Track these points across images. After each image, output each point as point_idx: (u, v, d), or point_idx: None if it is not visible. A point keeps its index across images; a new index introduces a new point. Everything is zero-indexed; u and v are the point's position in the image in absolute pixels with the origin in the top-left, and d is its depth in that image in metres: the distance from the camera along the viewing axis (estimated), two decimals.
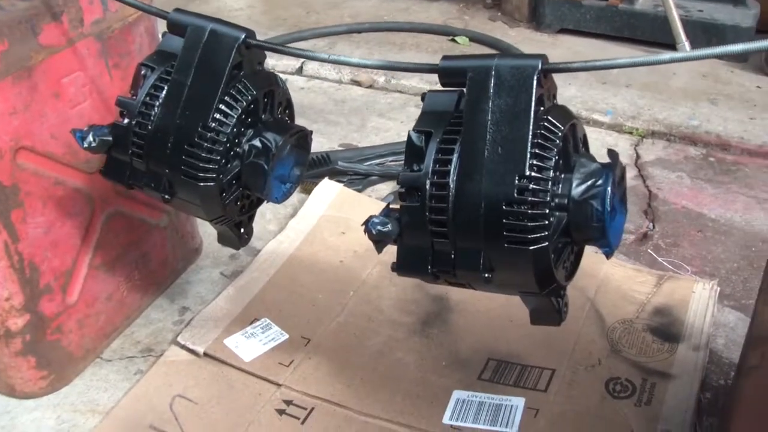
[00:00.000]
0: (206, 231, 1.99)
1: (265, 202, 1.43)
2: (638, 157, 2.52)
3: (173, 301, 1.88)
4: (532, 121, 1.06)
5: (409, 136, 1.14)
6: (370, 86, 3.02)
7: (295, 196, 2.19)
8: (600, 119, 2.72)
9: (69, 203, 1.56)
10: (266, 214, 2.16)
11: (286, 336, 1.73)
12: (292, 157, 1.37)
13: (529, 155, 1.05)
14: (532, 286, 1.11)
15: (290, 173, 1.38)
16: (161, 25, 1.43)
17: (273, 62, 3.06)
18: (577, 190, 1.08)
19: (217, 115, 1.27)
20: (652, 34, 3.22)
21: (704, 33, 3.13)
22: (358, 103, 2.90)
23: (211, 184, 1.29)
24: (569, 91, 2.85)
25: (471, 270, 1.11)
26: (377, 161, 2.42)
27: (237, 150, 1.31)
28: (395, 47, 3.33)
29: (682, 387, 1.57)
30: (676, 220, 2.19)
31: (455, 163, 1.10)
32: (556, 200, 1.08)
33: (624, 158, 2.48)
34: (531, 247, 1.05)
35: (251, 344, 1.70)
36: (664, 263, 1.99)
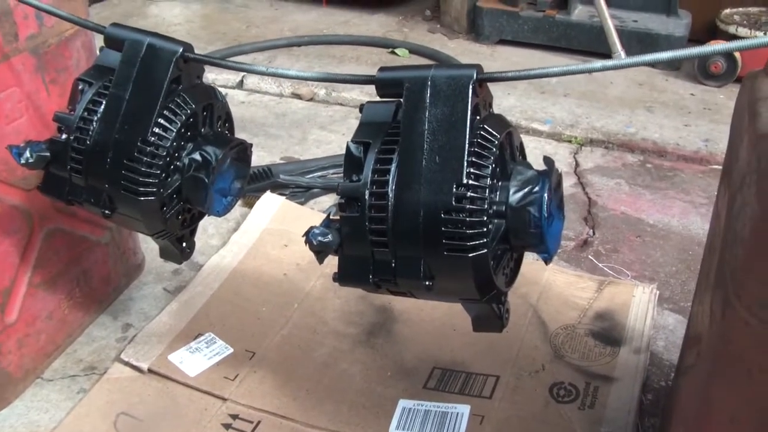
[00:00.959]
0: (148, 246, 1.98)
1: (207, 215, 1.43)
2: (577, 164, 2.56)
3: (116, 318, 1.86)
4: (468, 130, 1.07)
5: (347, 147, 1.15)
6: (311, 99, 3.02)
7: (237, 210, 2.19)
8: (539, 128, 2.76)
9: (6, 221, 1.53)
10: (208, 228, 2.16)
11: (231, 350, 1.72)
12: (233, 170, 1.37)
13: (466, 164, 1.06)
14: (473, 293, 1.12)
15: (231, 186, 1.38)
16: (99, 41, 1.42)
17: (213, 76, 3.05)
18: (514, 197, 1.10)
19: (156, 129, 1.27)
20: (589, 44, 3.28)
21: (639, 42, 3.20)
22: (299, 116, 2.90)
23: (152, 198, 1.28)
24: (508, 101, 2.89)
25: (412, 278, 1.12)
26: (319, 174, 2.42)
27: (177, 164, 1.31)
28: (335, 60, 3.34)
29: (625, 389, 1.59)
30: (616, 226, 2.23)
31: (393, 172, 1.11)
32: (494, 207, 1.09)
33: (563, 166, 2.52)
34: (470, 255, 1.07)
35: (196, 359, 1.69)
36: (605, 269, 2.03)
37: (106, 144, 1.28)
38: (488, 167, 1.07)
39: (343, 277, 1.18)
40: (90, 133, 1.30)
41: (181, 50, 1.28)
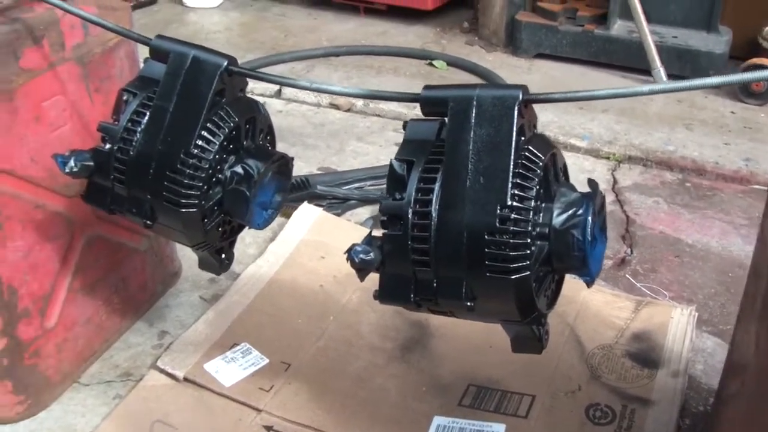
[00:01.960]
0: (185, 254, 1.99)
1: (247, 228, 1.43)
2: (615, 182, 2.54)
3: (152, 325, 1.87)
4: (513, 151, 1.07)
5: (391, 165, 1.15)
6: (349, 110, 3.02)
7: (275, 220, 2.17)
8: (577, 144, 2.74)
9: (49, 227, 1.55)
10: (246, 238, 2.16)
11: (267, 361, 1.72)
12: (274, 183, 1.37)
13: (510, 185, 1.06)
14: (514, 315, 1.11)
15: (272, 200, 1.38)
16: (142, 50, 1.43)
17: (252, 85, 3.04)
18: (558, 220, 1.09)
19: (200, 142, 1.27)
20: (628, 59, 3.25)
21: (678, 59, 3.17)
22: (337, 126, 2.90)
23: (193, 210, 1.29)
24: (546, 117, 2.87)
25: (453, 299, 1.12)
26: (356, 185, 2.42)
27: (219, 176, 1.31)
28: (373, 71, 3.34)
29: (662, 413, 1.58)
30: (654, 246, 2.21)
31: (437, 192, 1.10)
32: (538, 229, 1.08)
33: (601, 183, 2.50)
34: (513, 276, 1.06)
35: (231, 369, 1.69)
36: (643, 288, 2.01)
37: (149, 155, 1.29)
38: (533, 189, 1.07)
39: (383, 295, 1.18)
40: (134, 143, 1.31)
41: (225, 64, 1.29)
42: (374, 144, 2.76)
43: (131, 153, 1.31)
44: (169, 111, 1.29)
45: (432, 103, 1.15)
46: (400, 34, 3.73)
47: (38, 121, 1.47)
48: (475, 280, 1.09)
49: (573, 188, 1.13)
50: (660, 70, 3.05)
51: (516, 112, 1.07)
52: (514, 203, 1.06)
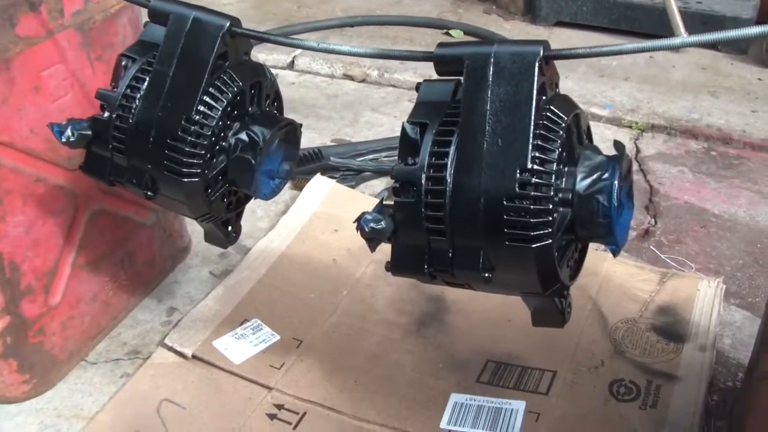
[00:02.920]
0: (195, 229, 1.94)
1: (254, 198, 1.38)
2: (638, 151, 2.47)
3: (161, 302, 1.83)
4: (533, 111, 1.00)
5: (403, 128, 1.08)
6: (363, 80, 2.97)
7: (287, 193, 2.15)
8: (598, 113, 2.67)
9: (51, 201, 1.50)
10: (257, 211, 2.11)
11: (278, 337, 1.67)
12: (281, 151, 1.31)
13: (531, 147, 0.99)
14: (535, 287, 1.05)
15: (279, 168, 1.32)
16: (145, 17, 1.38)
17: (263, 57, 3.01)
18: (582, 184, 1.02)
19: (202, 108, 1.21)
20: (650, 26, 3.17)
21: (703, 25, 3.09)
22: (351, 97, 2.85)
23: (196, 179, 1.23)
24: (566, 84, 2.80)
25: (470, 269, 1.06)
26: (371, 157, 2.36)
27: (222, 144, 1.26)
28: (388, 40, 3.27)
29: (689, 389, 1.51)
30: (679, 216, 2.14)
31: (452, 156, 1.04)
32: (560, 195, 1.02)
33: None
34: (533, 245, 1.00)
35: (241, 346, 1.64)
36: (667, 260, 1.94)
37: (148, 122, 1.24)
38: (554, 151, 1.00)
39: (396, 266, 1.12)
40: (132, 111, 1.26)
41: (228, 24, 1.23)
42: (389, 115, 2.70)
43: (130, 121, 1.25)
44: (169, 76, 1.23)
45: (446, 61, 1.08)
46: (416, 4, 3.66)
47: (38, 91, 1.42)
48: (493, 249, 1.03)
49: (598, 151, 1.07)
50: (684, 36, 2.96)
51: (537, 69, 1.00)
52: (535, 166, 0.99)
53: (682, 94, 2.79)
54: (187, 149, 1.21)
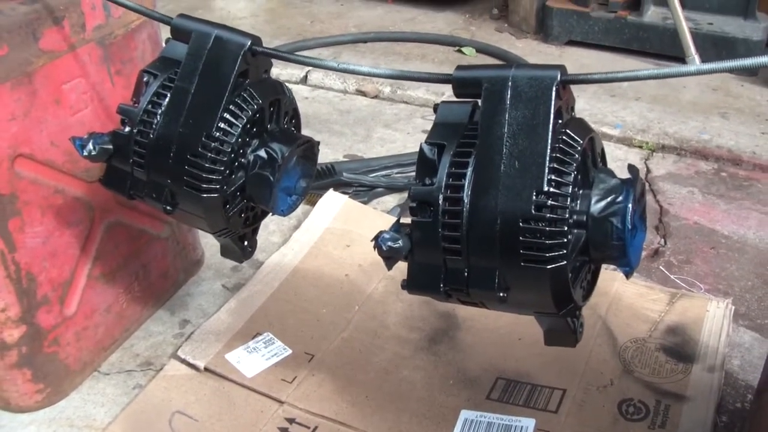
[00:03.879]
0: (208, 242, 1.95)
1: (270, 214, 1.39)
2: (648, 171, 2.48)
3: (174, 314, 1.84)
4: (550, 134, 1.02)
5: (421, 149, 1.10)
6: (376, 96, 2.98)
7: (300, 208, 2.13)
8: (609, 132, 2.68)
9: (68, 212, 1.52)
10: (269, 225, 2.12)
11: (290, 351, 1.68)
12: (299, 168, 1.33)
13: (547, 170, 1.01)
14: (549, 307, 1.06)
15: (296, 185, 1.34)
16: (165, 33, 1.39)
17: (277, 71, 3.02)
18: (596, 207, 1.04)
19: (222, 125, 1.23)
20: (661, 47, 3.19)
21: (714, 46, 3.10)
22: (364, 113, 2.86)
23: (215, 195, 1.25)
24: (578, 103, 2.75)
25: (485, 289, 1.07)
26: (383, 173, 2.38)
27: (242, 161, 1.27)
28: (401, 57, 3.29)
29: (698, 409, 1.52)
30: (688, 237, 2.14)
31: (470, 177, 1.05)
32: (575, 217, 1.03)
33: None
34: (548, 266, 1.01)
35: (253, 359, 1.65)
36: (677, 280, 1.95)
37: (169, 138, 1.25)
38: (570, 174, 1.01)
39: (412, 284, 1.13)
40: (153, 126, 1.27)
41: (249, 43, 1.25)
42: (401, 131, 2.71)
43: (151, 136, 1.27)
44: (191, 92, 1.25)
45: (465, 83, 1.09)
46: (429, 21, 3.69)
47: (58, 104, 1.44)
48: (508, 269, 1.04)
49: (612, 174, 1.08)
50: (695, 57, 2.98)
51: (554, 94, 1.02)
52: (551, 189, 1.00)
53: (692, 114, 2.80)
54: (207, 165, 1.23)
